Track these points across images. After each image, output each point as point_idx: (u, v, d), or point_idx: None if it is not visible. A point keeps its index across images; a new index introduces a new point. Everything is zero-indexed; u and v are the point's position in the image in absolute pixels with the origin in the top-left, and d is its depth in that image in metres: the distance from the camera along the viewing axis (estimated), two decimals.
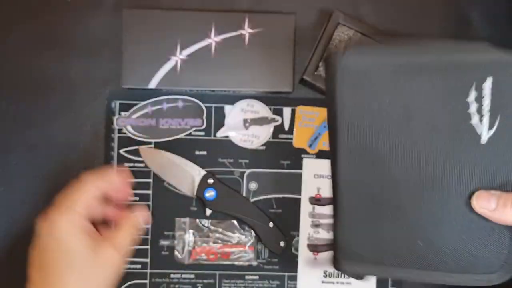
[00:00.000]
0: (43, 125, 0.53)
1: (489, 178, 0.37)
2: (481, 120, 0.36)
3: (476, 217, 0.37)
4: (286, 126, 0.53)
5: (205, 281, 0.52)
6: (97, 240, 0.41)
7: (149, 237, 0.52)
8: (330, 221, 0.52)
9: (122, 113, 0.52)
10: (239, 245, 0.53)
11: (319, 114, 0.53)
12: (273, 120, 0.53)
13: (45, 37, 0.53)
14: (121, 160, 0.52)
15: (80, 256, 0.39)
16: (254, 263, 0.53)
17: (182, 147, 0.52)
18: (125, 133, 0.52)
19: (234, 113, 0.53)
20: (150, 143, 0.53)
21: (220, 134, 0.53)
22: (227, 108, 0.53)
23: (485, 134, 0.36)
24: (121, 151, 0.52)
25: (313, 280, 0.52)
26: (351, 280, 0.52)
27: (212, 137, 0.53)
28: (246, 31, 0.51)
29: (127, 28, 0.51)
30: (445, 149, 0.37)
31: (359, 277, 0.47)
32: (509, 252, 0.38)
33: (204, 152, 0.53)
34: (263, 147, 0.53)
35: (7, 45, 0.53)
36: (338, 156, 0.40)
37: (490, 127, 0.36)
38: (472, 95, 0.36)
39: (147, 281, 0.52)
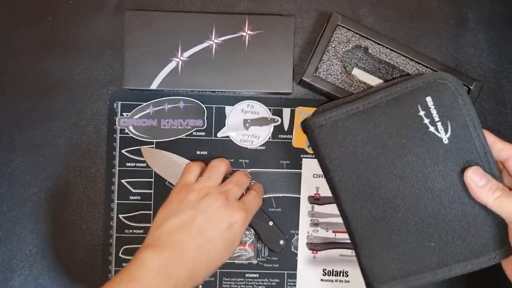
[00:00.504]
0: (46, 125, 0.53)
1: (460, 167, 0.42)
2: (436, 129, 0.42)
3: (466, 204, 0.42)
4: (286, 127, 0.54)
5: (206, 279, 0.53)
6: None
7: None
8: (329, 220, 0.53)
9: (124, 114, 0.53)
10: (239, 243, 0.53)
11: None
12: (272, 120, 0.54)
13: (48, 38, 0.53)
14: (123, 160, 0.53)
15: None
16: (254, 262, 0.53)
17: (183, 147, 0.53)
18: (127, 134, 0.53)
19: (235, 114, 0.53)
20: (151, 143, 0.53)
21: (221, 134, 0.53)
22: (228, 108, 0.54)
23: (444, 137, 0.42)
24: (123, 151, 0.53)
25: (312, 278, 0.53)
26: (350, 278, 0.53)
27: (213, 137, 0.53)
28: (246, 33, 0.51)
29: (129, 30, 0.51)
30: (419, 156, 0.43)
31: None
32: (499, 227, 0.42)
33: (205, 152, 0.53)
34: (263, 147, 0.54)
35: (10, 46, 0.53)
36: (339, 195, 0.46)
37: (446, 132, 0.42)
38: (421, 112, 0.42)
39: None
